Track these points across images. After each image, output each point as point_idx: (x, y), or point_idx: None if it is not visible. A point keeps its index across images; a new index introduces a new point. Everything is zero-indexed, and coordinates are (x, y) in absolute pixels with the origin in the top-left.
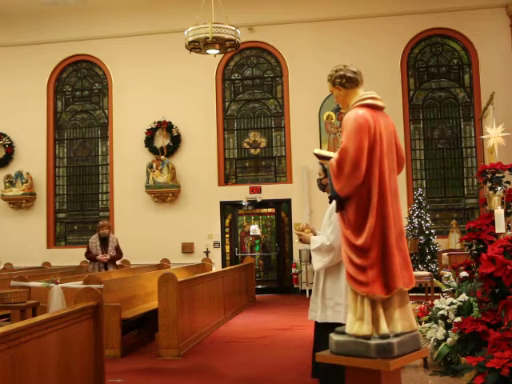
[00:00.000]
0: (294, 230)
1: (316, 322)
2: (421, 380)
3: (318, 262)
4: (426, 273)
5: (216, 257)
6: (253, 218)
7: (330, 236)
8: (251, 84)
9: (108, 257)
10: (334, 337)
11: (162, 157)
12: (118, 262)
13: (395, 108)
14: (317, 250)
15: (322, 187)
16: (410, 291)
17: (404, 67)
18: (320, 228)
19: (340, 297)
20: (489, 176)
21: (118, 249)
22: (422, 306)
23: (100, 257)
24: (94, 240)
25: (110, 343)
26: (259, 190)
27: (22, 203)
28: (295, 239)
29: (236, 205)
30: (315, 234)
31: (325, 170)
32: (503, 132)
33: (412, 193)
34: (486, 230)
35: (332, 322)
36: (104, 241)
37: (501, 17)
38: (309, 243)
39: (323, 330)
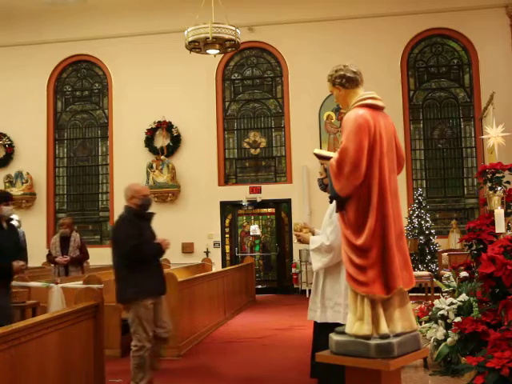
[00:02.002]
0: (293, 231)
1: (315, 322)
2: (421, 380)
3: (318, 262)
4: (425, 273)
5: (216, 257)
6: (253, 217)
7: (329, 236)
8: (251, 84)
9: (68, 258)
10: (333, 337)
11: (162, 157)
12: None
13: (395, 108)
14: (316, 250)
15: (324, 187)
16: (410, 291)
17: (404, 67)
18: (320, 227)
19: (340, 297)
20: (489, 176)
21: (82, 249)
22: (422, 306)
23: (58, 259)
24: (54, 240)
25: (110, 343)
26: (259, 190)
27: (22, 203)
28: (294, 239)
29: (236, 205)
30: (314, 234)
31: (326, 170)
32: (503, 132)
33: (412, 193)
34: (485, 229)
35: (332, 322)
36: (65, 241)
37: (501, 17)
38: (308, 243)
39: (323, 330)
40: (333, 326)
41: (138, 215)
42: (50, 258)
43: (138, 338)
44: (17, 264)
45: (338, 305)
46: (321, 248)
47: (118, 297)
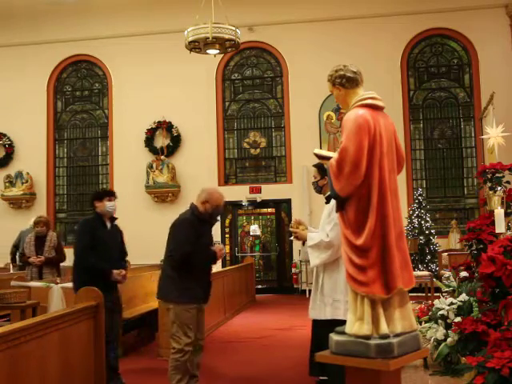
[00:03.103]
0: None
1: (313, 321)
2: (421, 380)
3: (316, 259)
4: (426, 273)
5: None
6: (253, 217)
7: (329, 233)
8: (251, 84)
9: (42, 259)
10: (334, 337)
11: (162, 157)
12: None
13: (395, 108)
14: (315, 246)
15: (319, 189)
16: (410, 291)
17: (404, 67)
18: (318, 226)
19: (339, 293)
20: (489, 176)
21: (58, 249)
22: (422, 306)
23: (32, 259)
24: (29, 239)
25: None
26: (259, 190)
27: (21, 203)
28: (291, 237)
29: (236, 205)
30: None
31: (320, 173)
32: (503, 132)
33: (412, 193)
34: (486, 230)
35: (332, 320)
36: (40, 240)
37: (501, 17)
38: (305, 240)
39: (323, 327)
40: (333, 324)
41: (202, 219)
42: (24, 258)
43: (176, 340)
44: (117, 272)
45: (338, 301)
46: (320, 244)
47: (159, 293)
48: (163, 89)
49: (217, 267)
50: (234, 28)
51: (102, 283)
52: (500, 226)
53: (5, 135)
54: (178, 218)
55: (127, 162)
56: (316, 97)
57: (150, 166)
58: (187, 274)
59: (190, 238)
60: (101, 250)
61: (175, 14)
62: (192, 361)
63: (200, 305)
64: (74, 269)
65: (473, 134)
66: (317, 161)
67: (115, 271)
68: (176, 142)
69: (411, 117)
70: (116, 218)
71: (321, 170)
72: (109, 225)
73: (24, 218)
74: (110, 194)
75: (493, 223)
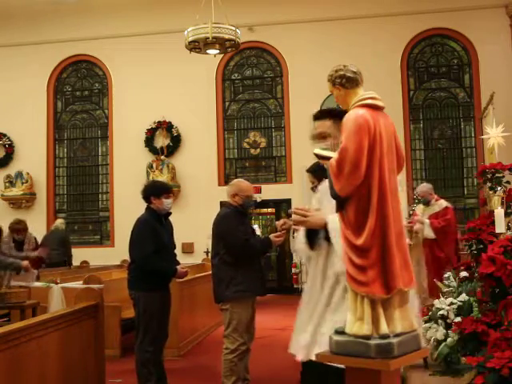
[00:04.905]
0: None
1: None
2: (421, 380)
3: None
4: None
5: None
6: (253, 217)
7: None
8: (251, 84)
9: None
10: (333, 337)
11: (162, 157)
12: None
13: (395, 108)
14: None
15: None
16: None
17: (404, 67)
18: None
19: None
20: (489, 176)
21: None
22: (422, 306)
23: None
24: (8, 240)
25: (109, 343)
26: (259, 190)
27: (21, 203)
28: (296, 226)
29: None
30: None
31: (316, 177)
32: (503, 132)
33: (412, 193)
34: (485, 230)
35: None
36: (19, 242)
37: (501, 17)
38: (320, 227)
39: None
40: None
41: (239, 212)
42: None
43: (231, 341)
44: (181, 269)
45: None
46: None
47: (216, 298)
48: (163, 89)
49: None
50: (234, 28)
51: (161, 283)
52: (500, 226)
53: (5, 135)
54: (217, 215)
55: (127, 162)
56: (316, 97)
57: (150, 166)
58: (242, 268)
59: (238, 227)
60: (163, 250)
61: (175, 13)
62: (244, 363)
63: (256, 296)
64: (134, 271)
65: (473, 134)
66: (312, 163)
67: (179, 267)
68: (176, 141)
69: (411, 117)
70: (170, 213)
71: (315, 173)
72: (163, 221)
73: (24, 218)
74: (169, 191)
75: (493, 223)
